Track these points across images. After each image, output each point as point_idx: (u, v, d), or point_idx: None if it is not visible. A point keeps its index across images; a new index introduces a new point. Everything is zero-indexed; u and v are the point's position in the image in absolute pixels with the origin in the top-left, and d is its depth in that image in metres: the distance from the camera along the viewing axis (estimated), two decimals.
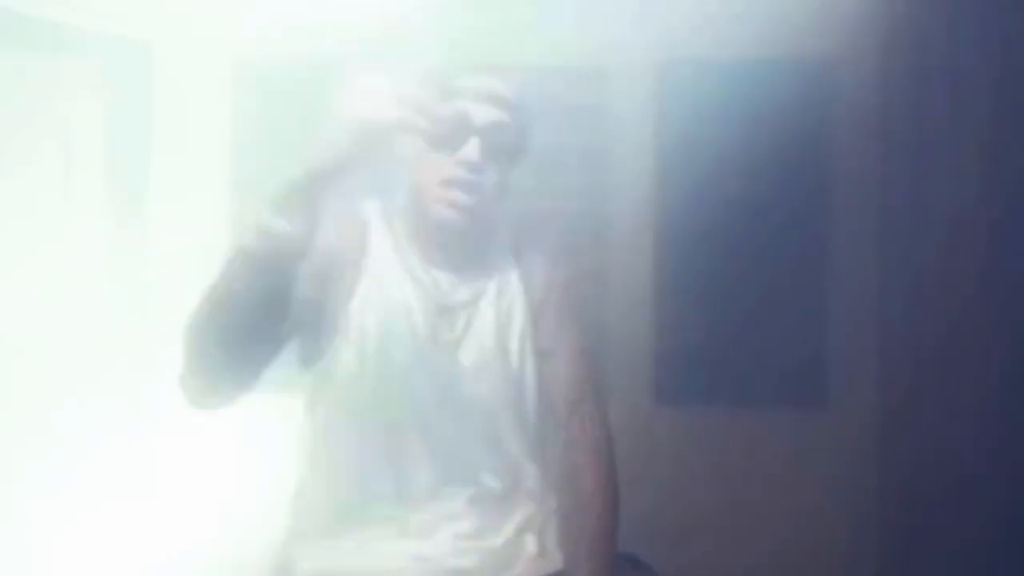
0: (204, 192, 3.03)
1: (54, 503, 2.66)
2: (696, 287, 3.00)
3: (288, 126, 2.97)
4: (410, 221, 1.62)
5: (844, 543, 2.97)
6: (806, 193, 2.96)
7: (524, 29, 2.93)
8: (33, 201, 2.69)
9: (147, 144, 2.97)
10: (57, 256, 2.75)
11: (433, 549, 1.54)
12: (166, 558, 2.88)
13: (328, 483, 1.57)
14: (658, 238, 3.00)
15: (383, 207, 1.66)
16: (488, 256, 1.67)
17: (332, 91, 2.93)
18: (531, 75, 2.83)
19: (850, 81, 2.92)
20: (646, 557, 1.74)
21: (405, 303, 1.58)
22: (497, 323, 1.63)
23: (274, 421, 2.35)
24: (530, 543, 1.60)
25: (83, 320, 2.82)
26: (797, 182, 2.96)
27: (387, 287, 1.58)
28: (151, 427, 2.94)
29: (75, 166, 2.82)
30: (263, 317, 1.38)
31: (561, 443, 1.62)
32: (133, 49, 2.93)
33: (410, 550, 1.54)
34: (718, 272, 2.99)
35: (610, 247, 3.01)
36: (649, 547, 1.88)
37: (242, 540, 2.73)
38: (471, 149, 1.52)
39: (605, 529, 1.56)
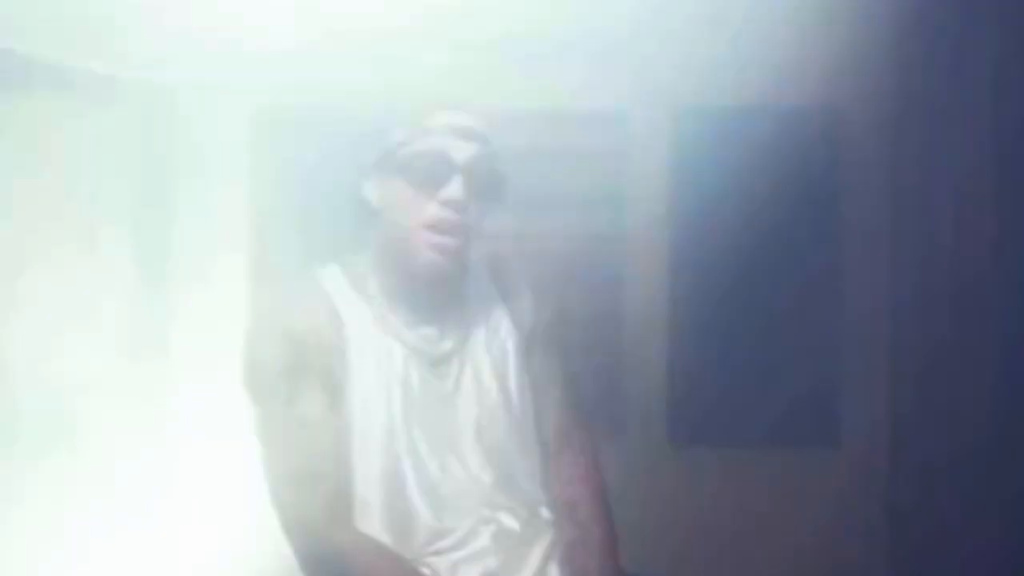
0: (224, 233, 3.07)
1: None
2: (710, 328, 3.03)
3: (306, 171, 3.02)
4: (388, 274, 1.58)
5: None
6: (818, 236, 3.01)
7: (539, 74, 2.98)
8: (61, 242, 2.73)
9: (171, 191, 3.00)
10: (82, 301, 2.78)
11: None
12: None
13: None
14: (672, 281, 3.03)
15: (346, 271, 1.61)
16: (470, 297, 1.65)
17: (350, 136, 2.97)
18: (547, 119, 2.93)
19: (861, 127, 2.96)
20: None
21: (397, 370, 1.56)
22: (493, 364, 1.62)
23: None
24: (553, 572, 1.62)
25: (106, 367, 2.84)
26: (809, 226, 3.00)
27: (375, 360, 1.56)
28: (174, 491, 2.96)
29: (100, 213, 2.85)
30: None
31: (554, 475, 1.64)
32: (158, 95, 2.98)
33: None
34: (731, 313, 3.02)
35: (625, 289, 3.04)
36: None
37: None
38: (455, 188, 1.50)
39: (609, 553, 1.60)
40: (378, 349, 1.56)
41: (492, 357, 1.62)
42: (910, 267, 2.87)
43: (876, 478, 2.96)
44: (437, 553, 1.53)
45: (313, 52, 3.02)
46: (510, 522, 1.58)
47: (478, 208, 1.53)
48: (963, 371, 2.80)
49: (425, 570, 1.51)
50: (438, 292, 1.58)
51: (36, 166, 2.67)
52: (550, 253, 2.94)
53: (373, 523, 1.51)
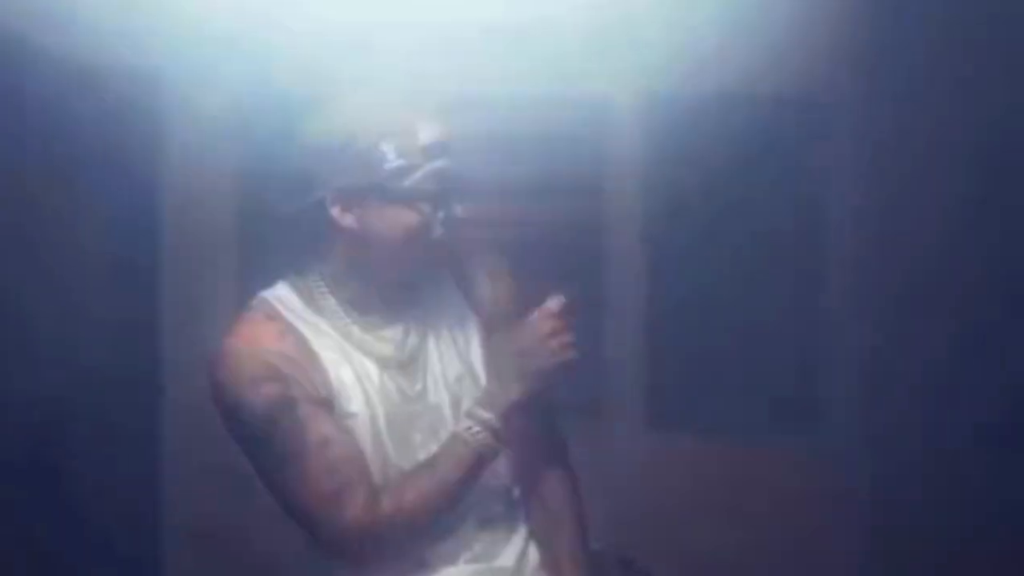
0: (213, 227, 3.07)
1: None
2: (689, 316, 3.07)
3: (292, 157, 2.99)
4: (351, 287, 1.56)
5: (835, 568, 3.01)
6: (797, 227, 3.05)
7: (524, 58, 2.98)
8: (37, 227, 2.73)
9: (157, 176, 3.00)
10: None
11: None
12: None
13: None
14: (651, 269, 3.07)
15: (297, 290, 1.58)
16: (427, 288, 1.63)
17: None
18: (528, 105, 2.93)
19: (838, 116, 3.00)
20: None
21: (374, 383, 1.56)
22: (458, 351, 1.63)
23: None
24: (534, 553, 1.64)
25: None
26: (788, 213, 3.05)
27: (350, 376, 1.55)
28: None
29: (80, 200, 2.85)
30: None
31: (521, 459, 1.64)
32: (141, 81, 2.97)
33: None
34: (711, 301, 3.05)
35: (604, 275, 3.08)
36: None
37: None
38: (454, 206, 1.51)
39: (579, 536, 1.63)
40: (351, 365, 1.55)
41: (456, 345, 1.63)
42: (892, 251, 2.91)
43: (853, 474, 2.99)
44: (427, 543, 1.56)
45: (298, 38, 3.01)
46: (492, 506, 1.60)
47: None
48: (945, 358, 2.83)
49: None
50: (403, 293, 1.59)
51: (14, 155, 2.65)
52: (527, 239, 2.96)
53: None
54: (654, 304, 3.07)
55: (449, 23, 2.97)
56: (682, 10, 2.96)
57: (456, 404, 1.59)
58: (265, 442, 1.48)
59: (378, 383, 1.55)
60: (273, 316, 1.54)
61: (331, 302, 1.57)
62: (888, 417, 2.92)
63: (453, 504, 1.51)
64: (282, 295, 1.57)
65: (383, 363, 1.57)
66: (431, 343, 1.62)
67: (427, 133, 1.51)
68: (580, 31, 3.01)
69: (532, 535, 1.64)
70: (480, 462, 1.50)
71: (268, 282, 1.58)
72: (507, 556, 1.61)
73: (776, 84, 2.98)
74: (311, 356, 1.52)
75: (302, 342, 1.53)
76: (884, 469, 2.93)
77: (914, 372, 2.88)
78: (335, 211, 1.51)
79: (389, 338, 1.59)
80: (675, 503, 3.03)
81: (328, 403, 1.51)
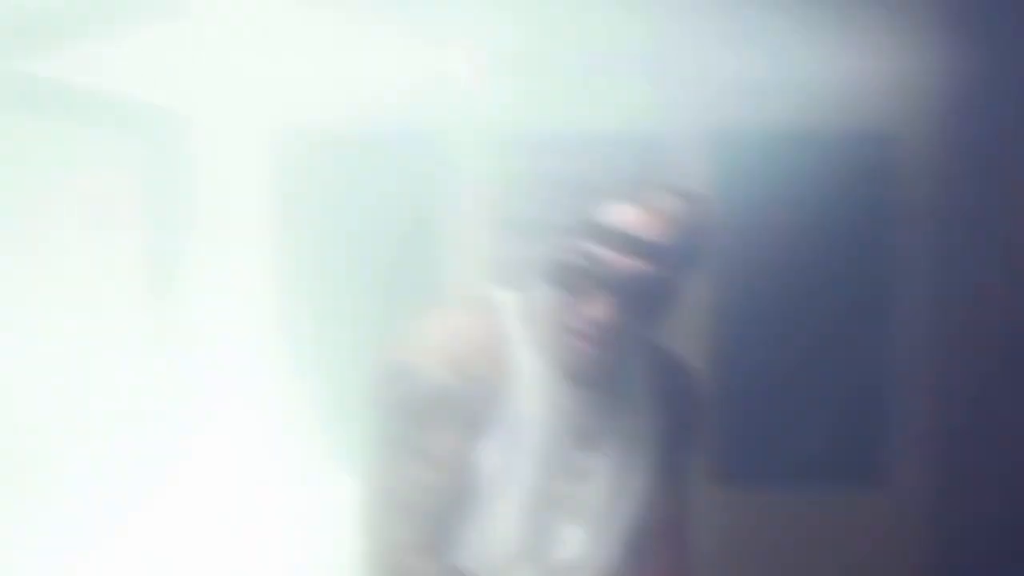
0: (245, 263, 2.97)
1: None
2: (753, 363, 2.94)
3: (329, 198, 2.92)
4: (550, 328, 1.38)
5: None
6: (864, 269, 2.93)
7: (580, 94, 2.88)
8: (71, 272, 2.64)
9: (187, 217, 2.92)
10: (93, 328, 2.70)
11: None
12: None
13: None
14: (714, 313, 2.93)
15: (520, 301, 1.43)
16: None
17: (375, 162, 2.89)
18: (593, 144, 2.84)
19: (911, 155, 2.88)
20: None
21: (539, 430, 1.39)
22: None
23: None
24: None
25: (117, 390, 2.75)
26: (855, 255, 2.92)
27: (523, 414, 1.38)
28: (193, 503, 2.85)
29: (114, 239, 2.77)
30: None
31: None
32: (173, 121, 2.90)
33: None
34: (776, 348, 2.92)
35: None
36: None
37: None
38: (598, 309, 1.30)
39: None
40: (528, 402, 1.39)
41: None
42: (961, 295, 2.79)
43: (925, 522, 2.86)
44: None
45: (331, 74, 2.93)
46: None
47: (642, 322, 1.43)
48: (1015, 410, 2.70)
49: None
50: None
51: (51, 193, 2.57)
52: None
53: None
54: (717, 352, 2.94)
55: (497, 55, 2.88)
56: (747, 45, 2.88)
57: (617, 504, 1.46)
58: (393, 419, 1.37)
59: (543, 436, 1.40)
60: (487, 316, 1.41)
61: (537, 332, 1.42)
62: (959, 467, 2.77)
63: None
64: (502, 299, 1.44)
65: (561, 419, 1.42)
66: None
67: (605, 212, 1.35)
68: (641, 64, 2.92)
69: None
70: None
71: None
72: None
73: (844, 121, 2.88)
74: (502, 371, 1.38)
75: (503, 353, 1.39)
76: (954, 524, 2.79)
77: (992, 415, 2.73)
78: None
79: (579, 400, 1.44)
80: (738, 561, 2.89)
81: (478, 428, 1.36)
